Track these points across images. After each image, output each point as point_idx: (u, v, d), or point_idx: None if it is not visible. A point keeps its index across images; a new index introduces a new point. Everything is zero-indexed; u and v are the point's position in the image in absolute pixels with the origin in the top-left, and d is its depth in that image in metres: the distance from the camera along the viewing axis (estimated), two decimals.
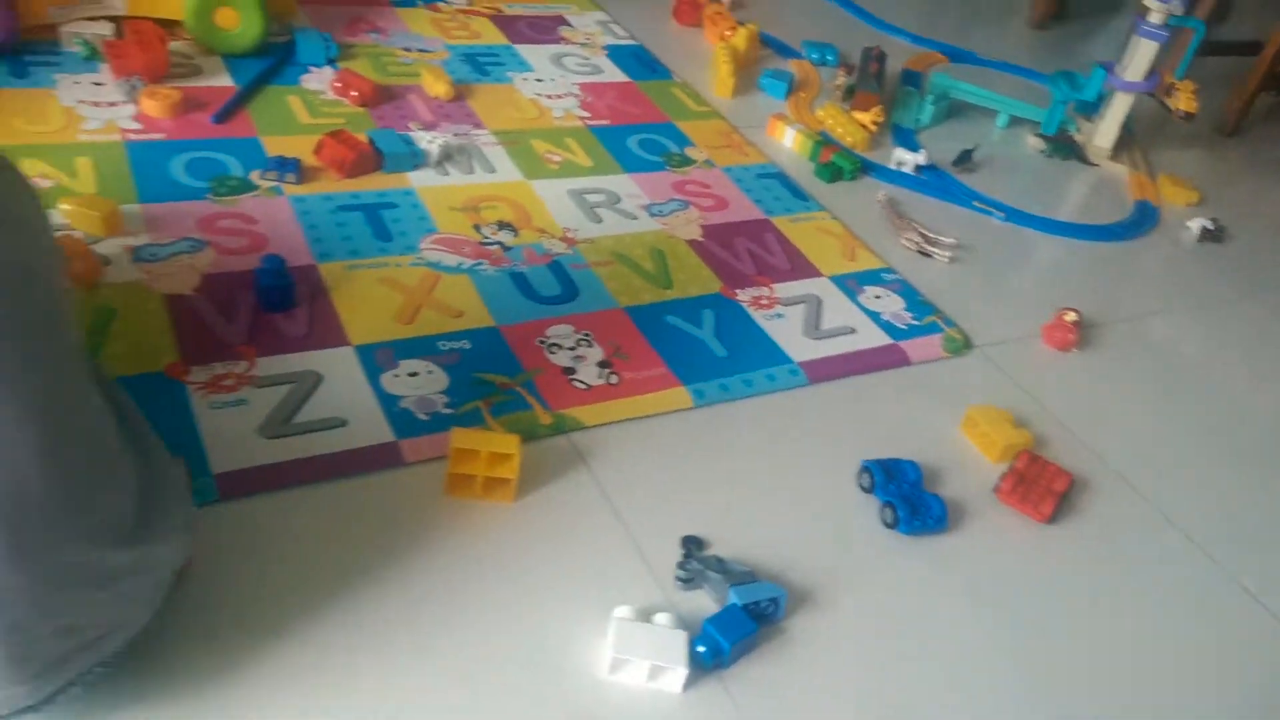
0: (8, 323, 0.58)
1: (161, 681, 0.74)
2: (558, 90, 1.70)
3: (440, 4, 1.88)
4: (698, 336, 1.21)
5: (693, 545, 0.95)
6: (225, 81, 1.46)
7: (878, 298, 1.36)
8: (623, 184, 1.49)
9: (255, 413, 0.96)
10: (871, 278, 1.41)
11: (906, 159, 1.71)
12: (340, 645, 0.81)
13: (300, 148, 1.34)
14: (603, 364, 1.14)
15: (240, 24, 1.47)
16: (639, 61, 1.88)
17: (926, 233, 1.53)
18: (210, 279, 1.10)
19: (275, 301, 1.08)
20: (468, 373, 1.08)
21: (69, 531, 0.61)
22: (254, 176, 1.28)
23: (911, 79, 2.05)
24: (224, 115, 1.37)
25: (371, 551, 0.89)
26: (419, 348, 1.10)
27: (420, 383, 1.05)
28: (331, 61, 1.57)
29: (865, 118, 1.79)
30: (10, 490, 0.57)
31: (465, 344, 1.12)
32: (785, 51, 2.06)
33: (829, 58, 2.05)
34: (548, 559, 0.92)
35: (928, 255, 1.50)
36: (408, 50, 1.69)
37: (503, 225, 1.33)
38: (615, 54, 1.88)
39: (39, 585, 0.60)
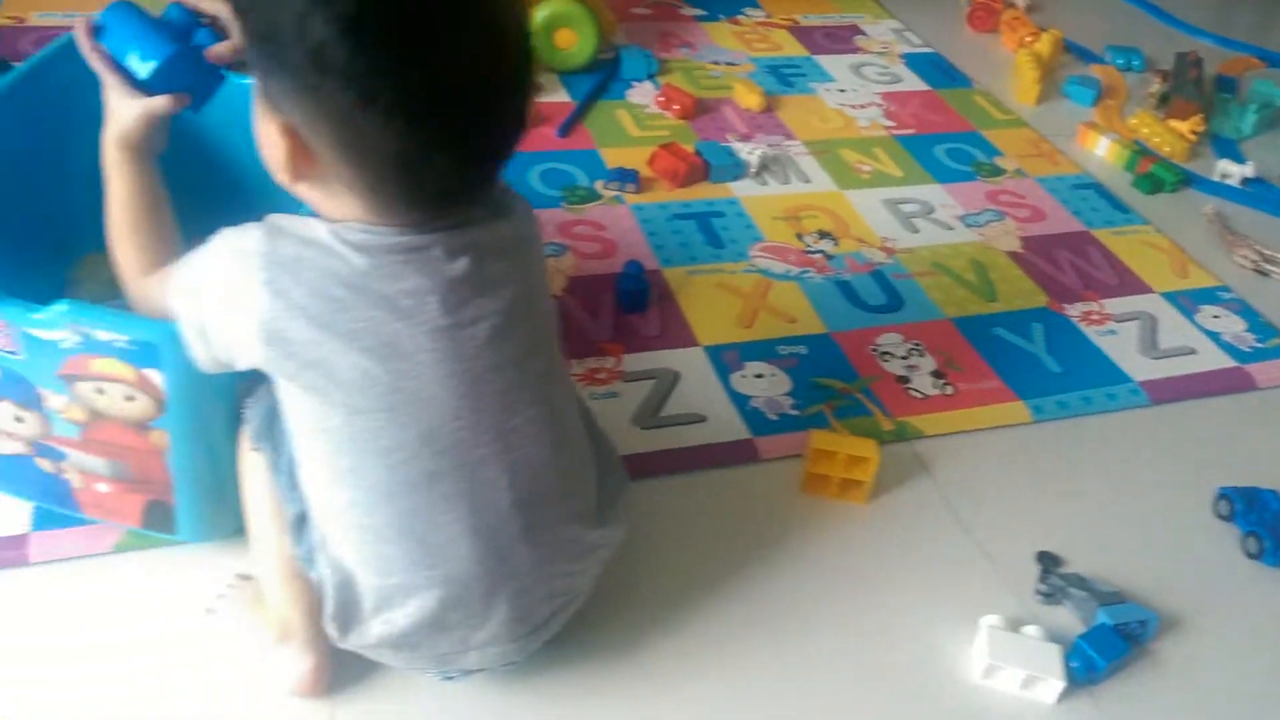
0: (548, 335, 0.68)
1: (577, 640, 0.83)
2: (860, 100, 1.72)
3: (740, 17, 1.94)
4: (1029, 350, 1.21)
5: (1049, 562, 0.95)
6: (563, 97, 1.57)
7: (1216, 317, 1.31)
8: (935, 194, 1.50)
9: (626, 405, 1.05)
10: (1207, 296, 1.35)
11: (1232, 171, 1.62)
12: (717, 626, 0.87)
13: (634, 159, 1.43)
14: (936, 374, 1.16)
15: (576, 43, 1.59)
16: (937, 69, 1.87)
17: (1263, 250, 1.44)
18: (575, 281, 1.20)
19: (633, 303, 1.16)
20: (807, 376, 1.13)
21: (565, 513, 0.70)
22: (598, 186, 1.38)
23: (1227, 85, 1.93)
24: (567, 129, 1.49)
25: (736, 541, 0.95)
26: (761, 350, 1.15)
27: (766, 384, 1.11)
28: (651, 76, 1.66)
29: (1184, 127, 1.71)
30: (529, 480, 0.67)
31: (802, 349, 1.17)
32: (1087, 57, 1.99)
33: (1135, 63, 1.96)
34: (901, 562, 0.95)
35: (1265, 274, 1.42)
36: (716, 64, 1.76)
37: (823, 234, 1.37)
38: (913, 62, 1.88)
39: (543, 557, 0.69)
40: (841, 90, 1.75)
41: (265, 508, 0.75)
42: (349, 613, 0.70)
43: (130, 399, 0.73)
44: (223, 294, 0.62)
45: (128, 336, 0.70)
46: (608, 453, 0.80)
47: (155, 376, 0.72)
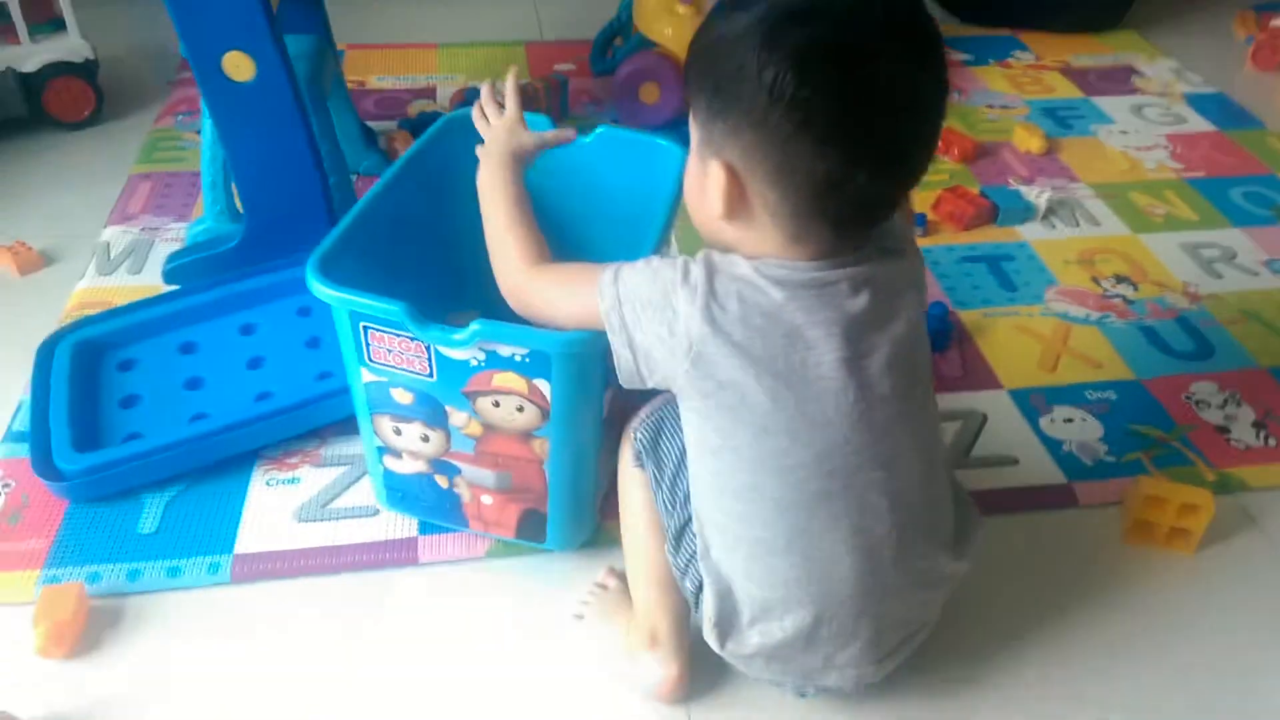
0: (926, 372, 0.72)
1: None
2: (1144, 142, 1.68)
3: (1009, 60, 1.94)
4: None
5: None
6: None
7: None
8: (1235, 238, 1.44)
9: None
10: None
11: None
12: (1039, 666, 0.88)
13: (918, 203, 1.46)
14: (1257, 425, 1.12)
15: None
16: (1224, 110, 1.80)
17: None
18: None
19: (934, 344, 1.19)
20: (1120, 423, 1.12)
21: (930, 542, 0.74)
22: None
23: None
24: None
25: (1057, 584, 0.96)
26: (1068, 395, 1.15)
27: (1077, 429, 1.11)
28: None
29: None
30: (905, 506, 0.71)
31: (1111, 394, 1.15)
32: None
33: None
34: (1232, 616, 0.93)
35: None
36: (990, 107, 1.76)
37: (1120, 278, 1.35)
38: (1196, 102, 1.82)
39: (908, 583, 0.73)
40: (1123, 132, 1.71)
41: (644, 520, 0.82)
42: (729, 621, 0.75)
43: (520, 409, 0.82)
44: (663, 315, 0.69)
45: (527, 349, 0.78)
46: (959, 489, 0.83)
47: (544, 386, 0.80)
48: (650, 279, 0.71)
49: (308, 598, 0.91)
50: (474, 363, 0.80)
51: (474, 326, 0.78)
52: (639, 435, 0.82)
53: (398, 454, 0.90)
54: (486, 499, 0.90)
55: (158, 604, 0.90)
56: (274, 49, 1.07)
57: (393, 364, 0.83)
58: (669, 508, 0.80)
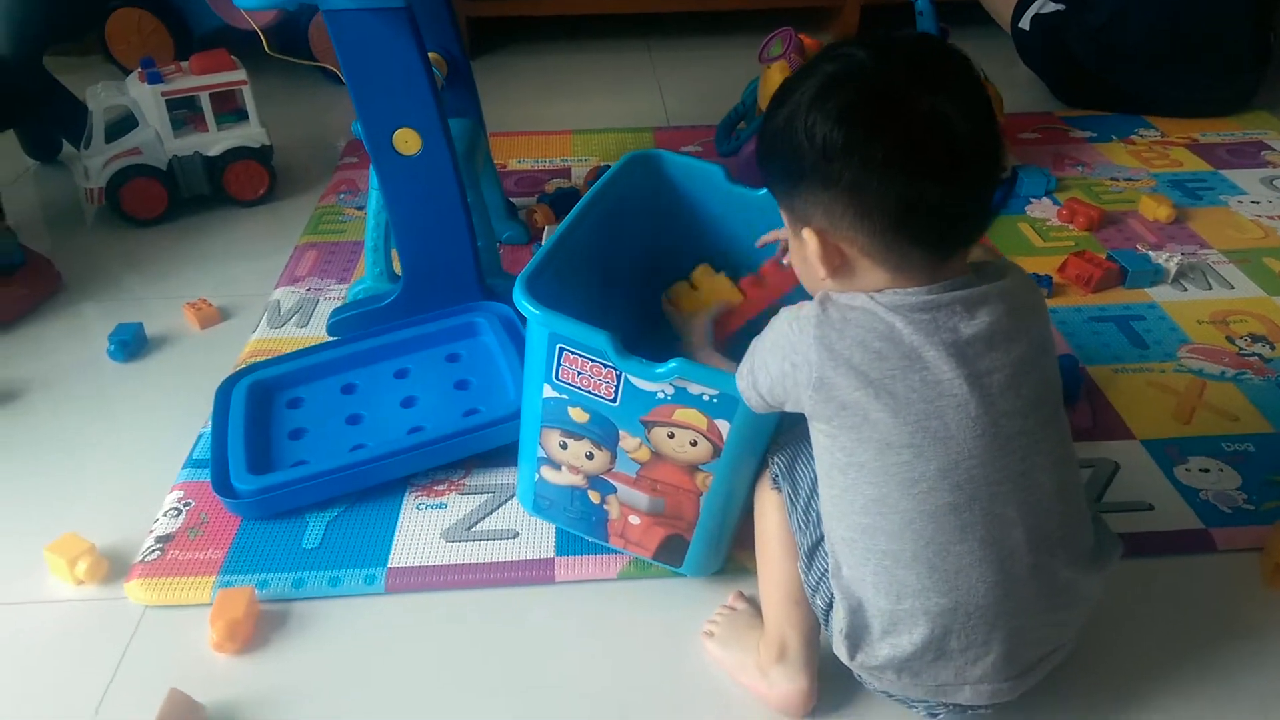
0: (1052, 390, 0.75)
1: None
2: (1277, 211, 1.67)
3: (1134, 137, 1.95)
4: None
5: None
6: None
7: None
8: None
9: None
10: None
11: None
12: (1191, 708, 0.87)
13: (1042, 267, 1.48)
14: None
15: None
16: None
17: None
18: None
19: (1064, 396, 1.19)
20: (1258, 473, 1.10)
21: (1065, 558, 0.75)
22: None
23: None
24: None
25: (1194, 629, 0.94)
26: (1203, 446, 1.14)
27: (1214, 478, 1.09)
28: (1050, 193, 1.71)
29: None
30: (1038, 520, 0.73)
31: (1249, 446, 1.14)
32: None
33: None
34: None
35: None
36: (1115, 180, 1.78)
37: (1256, 338, 1.33)
38: None
39: (1042, 598, 0.74)
40: (1255, 202, 1.70)
41: (778, 539, 0.86)
42: (859, 634, 0.77)
43: (694, 444, 0.86)
44: (784, 353, 0.75)
45: (717, 391, 0.82)
46: (1094, 512, 0.84)
47: (723, 426, 0.84)
48: (773, 327, 0.78)
49: (453, 609, 0.97)
50: (661, 395, 0.84)
51: (673, 364, 0.82)
52: (777, 460, 0.86)
53: (557, 466, 0.94)
54: (634, 519, 0.94)
55: (319, 609, 0.97)
56: (439, 127, 1.18)
57: (579, 385, 0.87)
58: (803, 527, 0.83)
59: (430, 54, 1.39)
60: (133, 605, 0.98)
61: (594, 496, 0.94)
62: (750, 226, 1.09)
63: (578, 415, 0.89)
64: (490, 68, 2.38)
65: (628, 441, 0.89)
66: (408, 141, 1.19)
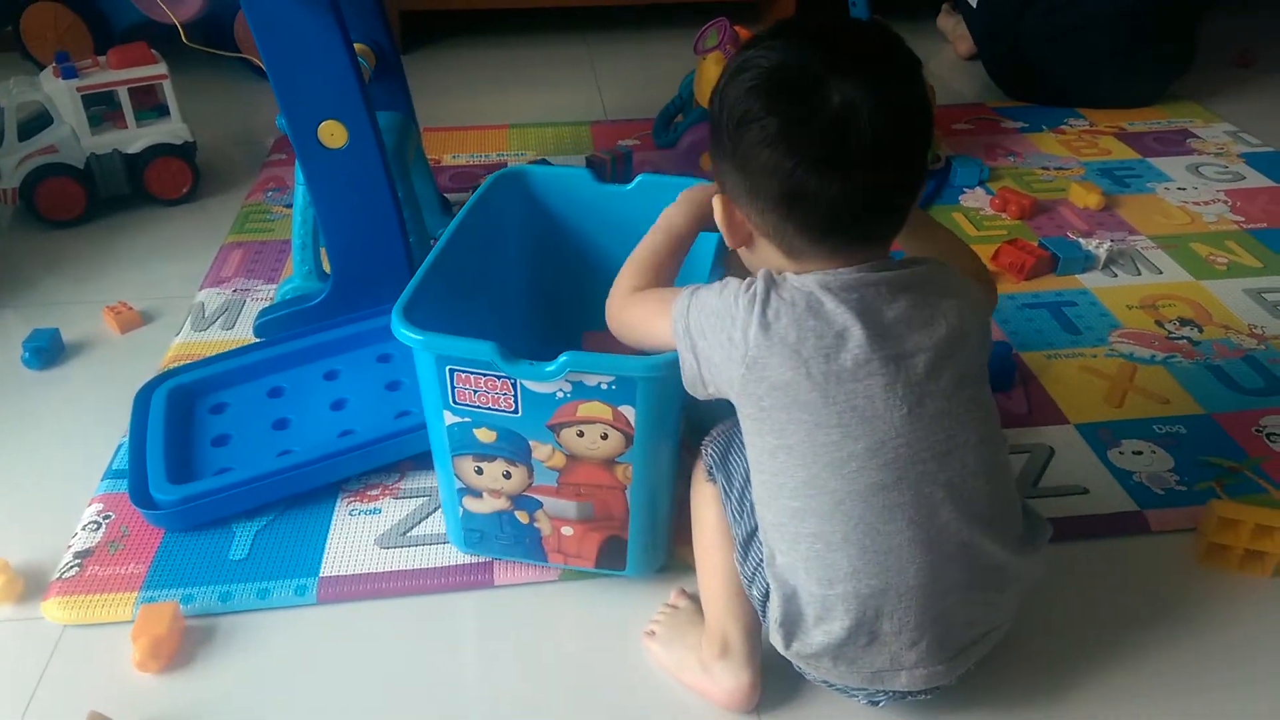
0: (976, 371, 0.75)
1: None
2: (1203, 197, 1.70)
3: (1063, 127, 1.98)
4: None
5: None
6: None
7: None
8: None
9: None
10: None
11: None
12: (1114, 692, 0.87)
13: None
14: None
15: None
16: None
17: None
18: None
19: (999, 382, 1.20)
20: (1190, 454, 1.11)
21: (994, 537, 0.75)
22: None
23: None
24: None
25: (1131, 609, 0.95)
26: (1136, 429, 1.15)
27: (1147, 460, 1.10)
28: (983, 183, 1.73)
29: None
30: (965, 499, 0.73)
31: (1180, 428, 1.15)
32: None
33: None
34: None
35: None
36: (1045, 169, 1.80)
37: (1184, 321, 1.36)
38: (1254, 161, 1.84)
39: (973, 579, 0.74)
40: (1181, 189, 1.73)
41: (714, 532, 0.85)
42: (793, 621, 0.77)
43: (604, 437, 0.85)
44: (725, 323, 0.74)
45: (613, 377, 0.82)
46: (1033, 509, 0.84)
47: (628, 412, 0.83)
48: (719, 292, 0.76)
49: (389, 618, 0.94)
50: (560, 395, 0.83)
51: (563, 359, 0.81)
52: (710, 450, 0.85)
53: (478, 494, 0.91)
54: (567, 530, 0.92)
55: (248, 623, 0.94)
56: (366, 119, 1.15)
57: (477, 404, 0.85)
58: (737, 517, 0.82)
59: (358, 45, 1.36)
60: (50, 625, 0.94)
61: (522, 517, 0.92)
62: (629, 221, 1.06)
63: (484, 435, 0.87)
64: (425, 61, 2.34)
65: (540, 450, 0.87)
66: (333, 134, 1.15)
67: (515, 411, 0.85)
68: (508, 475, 0.90)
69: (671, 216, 0.91)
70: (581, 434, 0.85)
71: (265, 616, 0.94)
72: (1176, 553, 1.00)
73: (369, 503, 1.06)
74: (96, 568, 0.98)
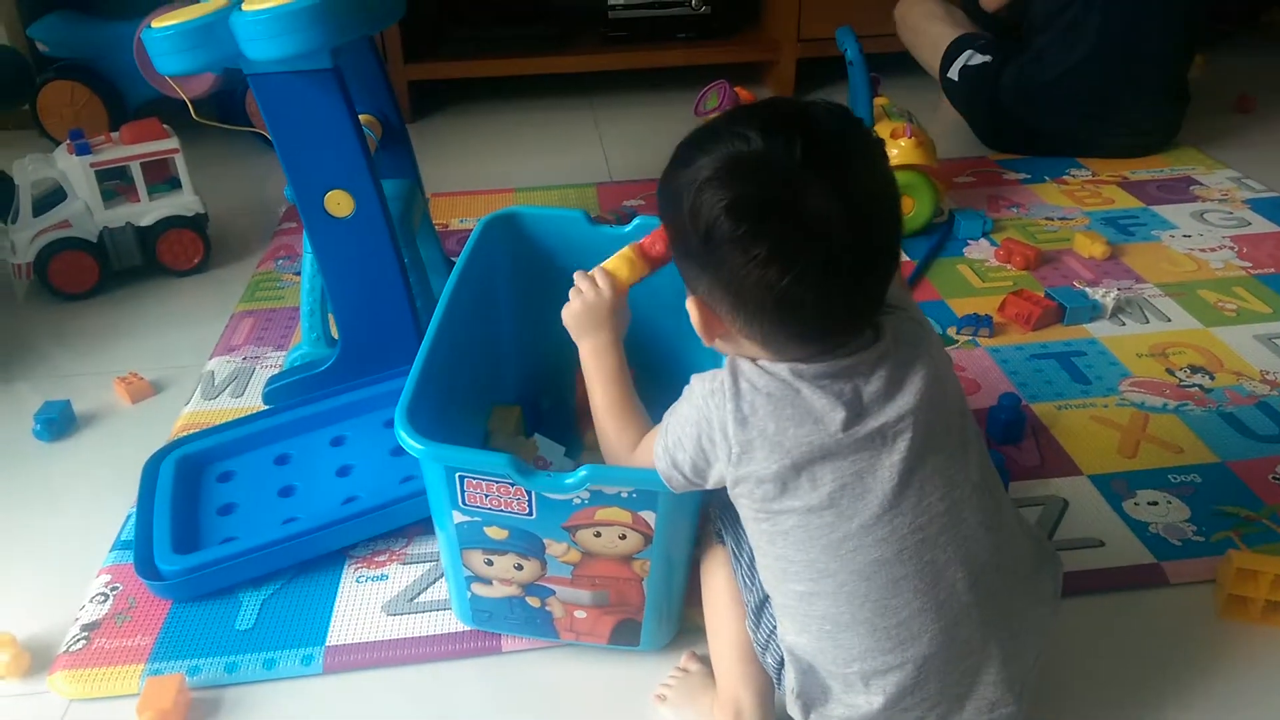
0: (959, 418, 0.74)
1: None
2: (1209, 244, 1.70)
3: (1065, 177, 1.99)
4: None
5: None
6: (902, 258, 1.67)
7: None
8: None
9: None
10: None
11: None
12: None
13: (983, 307, 1.49)
14: None
15: (914, 208, 1.70)
16: None
17: None
18: None
19: (1009, 435, 1.19)
20: (1206, 504, 1.10)
21: (1006, 587, 0.74)
22: (950, 332, 1.45)
23: None
24: (911, 283, 1.58)
25: (1150, 664, 0.93)
26: (1150, 479, 1.14)
27: (1163, 511, 1.09)
28: (987, 234, 1.73)
29: None
30: (971, 555, 0.72)
31: (1195, 477, 1.14)
32: None
33: None
34: None
35: None
36: (1049, 219, 1.81)
37: (1195, 369, 1.35)
38: (1259, 207, 1.84)
39: (990, 633, 0.73)
40: (1187, 236, 1.73)
41: (725, 596, 0.83)
42: (812, 696, 0.75)
43: (623, 537, 0.83)
44: (699, 430, 0.73)
45: (634, 488, 0.80)
46: (1038, 536, 0.83)
47: (649, 516, 0.81)
48: (688, 399, 0.76)
49: (398, 686, 0.93)
50: (577, 501, 0.81)
51: (582, 473, 0.78)
52: (719, 512, 0.84)
53: (488, 581, 0.89)
54: (580, 614, 0.90)
55: (254, 694, 0.93)
56: (372, 188, 1.17)
57: (489, 506, 0.82)
58: (748, 583, 0.81)
59: (364, 116, 1.39)
60: (57, 699, 0.93)
61: (533, 602, 0.90)
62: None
63: (495, 533, 0.85)
64: (432, 129, 2.38)
65: (554, 548, 0.85)
66: (340, 203, 1.17)
67: (530, 514, 0.82)
68: (519, 567, 0.87)
69: (590, 353, 0.89)
70: (599, 535, 0.83)
71: (272, 687, 0.93)
72: (1196, 605, 0.99)
73: (376, 569, 1.05)
74: (103, 640, 0.97)
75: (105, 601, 1.02)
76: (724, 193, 0.67)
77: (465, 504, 0.83)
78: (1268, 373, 1.33)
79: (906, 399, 0.71)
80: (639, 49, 2.49)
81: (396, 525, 1.08)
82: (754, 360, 0.74)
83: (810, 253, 0.67)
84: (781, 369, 0.72)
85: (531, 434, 1.10)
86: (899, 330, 0.75)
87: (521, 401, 1.18)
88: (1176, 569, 1.01)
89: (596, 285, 0.89)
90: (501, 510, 0.83)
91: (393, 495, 1.07)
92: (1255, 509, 1.09)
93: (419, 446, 0.79)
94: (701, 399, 0.74)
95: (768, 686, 0.82)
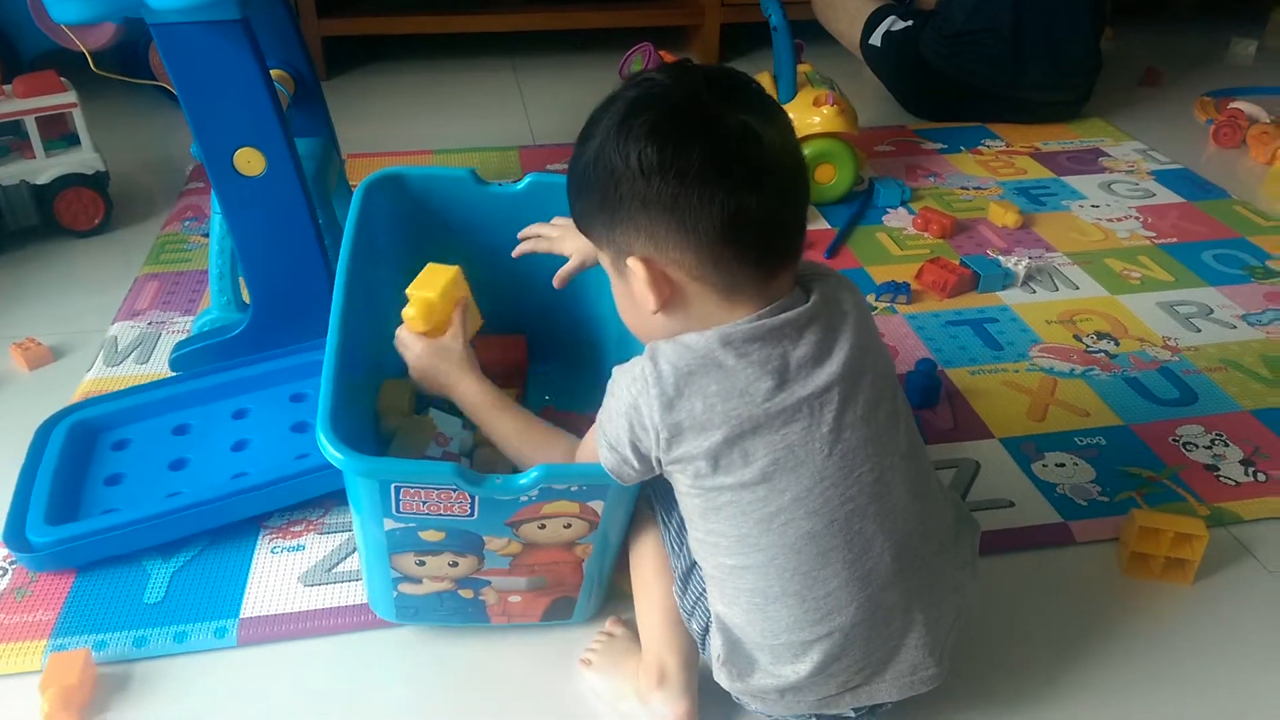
0: (888, 385, 0.75)
1: None
2: (1116, 214, 1.75)
3: (980, 148, 2.02)
4: None
5: None
6: (822, 225, 1.68)
7: None
8: (1210, 296, 1.49)
9: None
10: None
11: None
12: (1049, 704, 0.88)
13: (901, 274, 1.51)
14: (1245, 462, 1.14)
15: (835, 177, 1.71)
16: (1190, 183, 1.88)
17: None
18: None
19: (925, 399, 1.22)
20: (1111, 465, 1.14)
21: (928, 553, 0.76)
22: (870, 299, 1.47)
23: None
24: (833, 251, 1.59)
25: (1059, 620, 0.97)
26: (1058, 442, 1.18)
27: (1069, 472, 1.13)
28: (905, 203, 1.76)
29: None
30: (896, 524, 0.73)
31: (1100, 440, 1.18)
32: None
33: None
34: (1238, 646, 0.94)
35: None
36: (965, 189, 1.84)
37: (1101, 335, 1.39)
38: (1163, 178, 1.90)
39: (904, 603, 0.74)
40: (1095, 206, 1.78)
41: (652, 561, 0.84)
42: (739, 665, 0.76)
43: (567, 526, 0.81)
44: (633, 417, 0.72)
45: (585, 484, 0.78)
46: (956, 501, 0.85)
47: (597, 505, 0.80)
48: (612, 392, 0.74)
49: (315, 658, 0.91)
50: (524, 499, 0.78)
51: (534, 474, 0.76)
52: (649, 484, 0.84)
53: (417, 580, 0.85)
54: (515, 599, 0.89)
55: (165, 669, 0.90)
56: (284, 146, 1.12)
57: (426, 512, 0.78)
58: (675, 549, 0.82)
59: (275, 72, 1.34)
60: None
61: (466, 594, 0.87)
62: (519, 222, 1.07)
63: (431, 536, 0.81)
64: (348, 86, 2.31)
65: (494, 543, 0.82)
66: (250, 162, 1.13)
67: (471, 515, 0.79)
68: (454, 564, 0.84)
69: (462, 400, 0.91)
70: (543, 526, 0.81)
71: (184, 661, 0.91)
72: (1101, 562, 1.02)
73: (292, 539, 1.03)
74: (2, 616, 0.93)
75: (3, 576, 0.98)
76: (642, 122, 0.68)
77: (399, 512, 0.78)
78: (1169, 338, 1.38)
79: (833, 367, 0.71)
80: (562, 9, 2.45)
81: (283, 504, 1.04)
82: (676, 338, 0.72)
83: (744, 157, 0.67)
84: (709, 337, 0.70)
85: (425, 409, 1.04)
86: (828, 293, 0.75)
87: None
88: (1083, 528, 1.05)
89: (409, 348, 0.92)
90: (440, 515, 0.78)
91: (282, 473, 1.03)
92: (1157, 470, 1.13)
93: (350, 461, 0.74)
94: (625, 389, 0.72)
95: (692, 650, 0.83)
